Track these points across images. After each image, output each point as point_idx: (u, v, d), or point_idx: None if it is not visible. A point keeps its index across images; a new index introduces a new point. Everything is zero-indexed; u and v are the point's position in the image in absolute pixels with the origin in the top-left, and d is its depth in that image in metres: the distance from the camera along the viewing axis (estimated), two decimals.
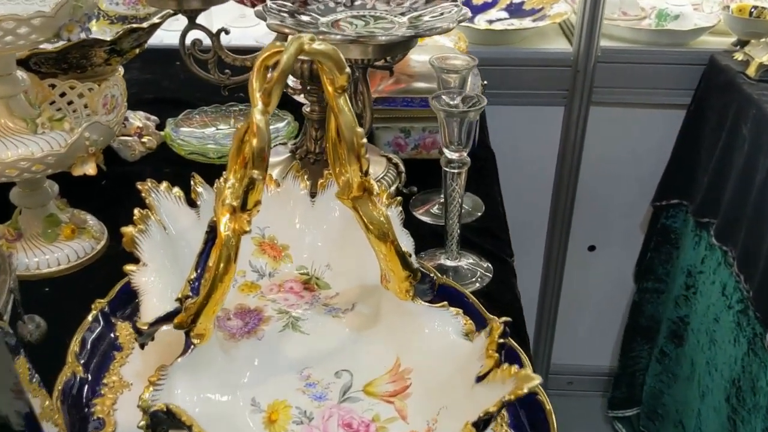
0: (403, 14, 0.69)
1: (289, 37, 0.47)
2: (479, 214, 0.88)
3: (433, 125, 0.95)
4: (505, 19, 1.52)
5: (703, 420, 1.34)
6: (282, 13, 0.66)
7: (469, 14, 0.67)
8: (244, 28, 1.51)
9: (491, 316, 0.58)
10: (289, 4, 0.68)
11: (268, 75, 0.49)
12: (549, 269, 1.64)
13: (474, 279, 0.75)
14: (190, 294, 0.52)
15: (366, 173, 0.51)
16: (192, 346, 0.51)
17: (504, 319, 0.49)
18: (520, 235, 0.96)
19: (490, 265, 0.77)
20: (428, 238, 0.85)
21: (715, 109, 1.34)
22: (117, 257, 0.71)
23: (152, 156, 1.01)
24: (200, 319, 0.50)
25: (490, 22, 1.50)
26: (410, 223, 0.66)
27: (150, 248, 0.60)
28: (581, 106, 1.45)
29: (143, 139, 1.00)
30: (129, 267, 0.60)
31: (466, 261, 0.77)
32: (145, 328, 0.53)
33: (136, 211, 0.61)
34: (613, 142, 1.50)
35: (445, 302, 0.58)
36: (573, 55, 1.41)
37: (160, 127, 1.06)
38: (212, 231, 0.53)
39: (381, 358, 0.58)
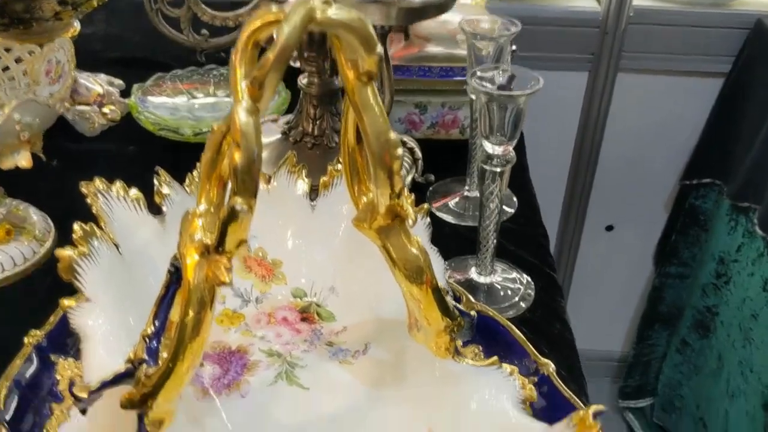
0: None
1: None
2: (512, 211, 0.73)
3: (454, 100, 0.79)
4: None
5: (732, 423, 1.23)
6: None
7: None
8: None
9: (574, 400, 0.44)
10: None
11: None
12: (562, 248, 1.51)
13: (513, 301, 0.60)
14: (146, 357, 0.37)
15: (399, 194, 0.35)
16: None
17: (596, 408, 0.34)
18: None
19: (530, 280, 0.63)
20: (449, 238, 0.70)
21: (761, 80, 1.19)
22: None
23: (115, 129, 0.85)
24: (158, 400, 0.35)
25: None
26: None
27: (96, 278, 0.45)
28: (608, 72, 1.29)
29: (104, 110, 0.84)
30: (67, 302, 0.44)
31: (502, 276, 0.62)
32: (85, 395, 0.39)
33: (75, 226, 0.45)
34: (640, 112, 1.35)
35: (496, 358, 0.43)
36: (602, 15, 1.24)
37: (126, 93, 0.89)
38: (176, 271, 0.37)
39: (406, 428, 0.44)
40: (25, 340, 0.51)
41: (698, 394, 1.38)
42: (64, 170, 0.77)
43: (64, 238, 0.68)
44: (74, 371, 0.50)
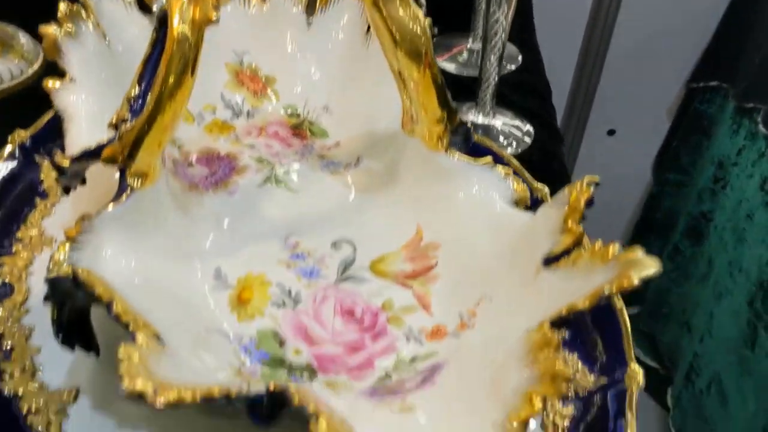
0: None
1: None
2: (513, 67, 0.71)
3: None
4: None
5: (716, 323, 1.24)
6: None
7: None
8: None
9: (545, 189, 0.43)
10: None
11: None
12: None
13: (510, 141, 0.59)
14: (129, 117, 0.36)
15: None
16: (129, 190, 0.35)
17: (590, 178, 0.34)
18: None
19: (531, 128, 0.61)
20: (450, 87, 0.69)
21: None
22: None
23: None
24: (140, 152, 0.34)
25: None
26: None
27: (81, 59, 0.43)
28: None
29: None
30: (51, 82, 0.43)
31: (502, 120, 0.61)
32: (67, 164, 0.38)
33: (61, 5, 0.44)
34: (652, 12, 1.31)
35: (490, 157, 0.42)
36: None
37: None
38: (163, 27, 0.36)
39: (395, 226, 0.43)
40: (9, 138, 0.49)
41: (685, 299, 1.39)
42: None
43: (52, 66, 0.66)
44: None
